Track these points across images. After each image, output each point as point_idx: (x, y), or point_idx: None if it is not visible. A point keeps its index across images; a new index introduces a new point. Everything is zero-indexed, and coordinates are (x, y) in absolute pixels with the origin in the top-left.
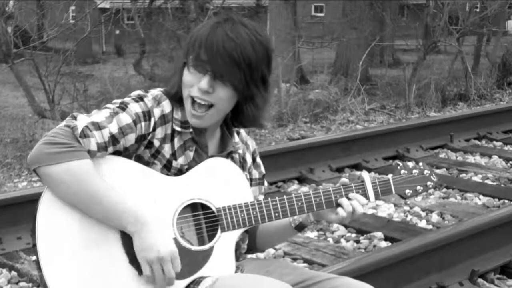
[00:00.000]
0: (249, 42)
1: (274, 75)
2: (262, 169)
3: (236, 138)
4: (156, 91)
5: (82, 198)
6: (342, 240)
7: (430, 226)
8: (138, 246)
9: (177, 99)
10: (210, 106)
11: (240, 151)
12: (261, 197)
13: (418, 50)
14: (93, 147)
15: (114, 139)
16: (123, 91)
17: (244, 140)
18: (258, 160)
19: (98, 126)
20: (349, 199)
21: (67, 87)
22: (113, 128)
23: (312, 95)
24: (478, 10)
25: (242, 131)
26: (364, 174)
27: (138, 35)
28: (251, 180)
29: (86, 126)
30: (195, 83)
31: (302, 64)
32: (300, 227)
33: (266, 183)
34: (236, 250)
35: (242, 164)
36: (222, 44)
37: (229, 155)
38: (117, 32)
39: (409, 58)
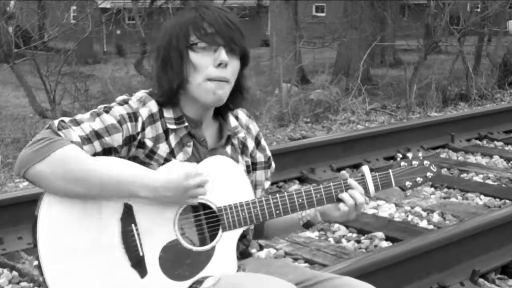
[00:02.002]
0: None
1: (276, 75)
2: (268, 152)
3: (235, 123)
4: (140, 93)
5: (77, 183)
6: (343, 240)
7: (431, 226)
8: (169, 196)
9: (176, 97)
10: (226, 82)
11: (241, 135)
12: (267, 183)
13: (419, 50)
14: (76, 139)
15: (97, 134)
16: (124, 91)
17: (245, 124)
18: (263, 142)
19: (77, 122)
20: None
21: (68, 87)
22: (96, 125)
23: (313, 95)
24: (479, 10)
25: (241, 115)
26: (365, 168)
27: (139, 35)
28: (255, 164)
29: (62, 120)
30: (209, 63)
31: (303, 64)
32: (308, 225)
33: (273, 165)
34: (243, 237)
35: (242, 150)
36: (224, 14)
37: (228, 142)
38: (118, 32)
39: (410, 58)
